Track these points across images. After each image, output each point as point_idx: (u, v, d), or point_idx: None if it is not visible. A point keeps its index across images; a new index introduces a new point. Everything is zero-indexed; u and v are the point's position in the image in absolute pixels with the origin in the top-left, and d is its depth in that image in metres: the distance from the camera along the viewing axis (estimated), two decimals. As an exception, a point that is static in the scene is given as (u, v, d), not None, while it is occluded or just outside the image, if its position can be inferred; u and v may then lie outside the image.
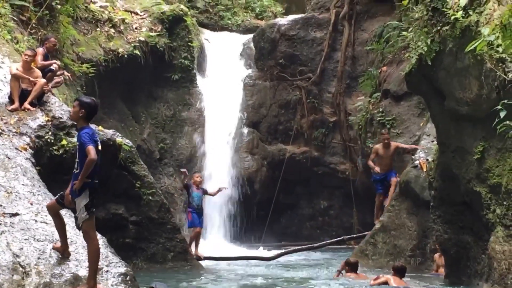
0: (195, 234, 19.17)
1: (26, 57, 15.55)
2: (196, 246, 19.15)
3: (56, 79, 17.24)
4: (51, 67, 16.89)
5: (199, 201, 19.50)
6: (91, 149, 9.27)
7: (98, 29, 23.90)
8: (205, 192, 19.95)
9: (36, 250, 9.86)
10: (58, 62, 17.84)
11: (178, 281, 15.32)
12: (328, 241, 22.40)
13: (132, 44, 24.47)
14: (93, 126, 13.67)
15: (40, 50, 16.94)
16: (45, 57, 17.04)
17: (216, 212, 25.42)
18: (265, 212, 25.26)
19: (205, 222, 24.72)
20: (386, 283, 14.41)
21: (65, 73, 17.90)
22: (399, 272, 14.37)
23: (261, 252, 22.15)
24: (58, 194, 9.78)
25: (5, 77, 15.87)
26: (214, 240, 24.34)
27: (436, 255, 16.23)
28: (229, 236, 25.28)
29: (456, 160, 13.39)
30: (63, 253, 9.95)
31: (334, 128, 26.95)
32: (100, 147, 9.65)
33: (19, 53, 17.28)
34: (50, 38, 17.83)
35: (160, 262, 17.46)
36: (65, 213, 10.17)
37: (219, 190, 20.45)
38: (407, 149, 19.97)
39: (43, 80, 15.69)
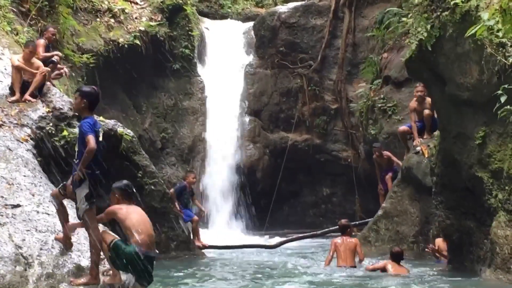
0: (194, 223, 19.18)
1: (29, 51, 15.56)
2: (197, 235, 19.16)
3: (57, 72, 17.24)
4: (53, 59, 16.91)
5: (188, 200, 19.59)
6: (90, 138, 9.24)
7: (98, 19, 23.85)
8: (192, 193, 20.01)
9: (38, 241, 9.88)
10: (60, 54, 17.84)
11: (181, 270, 15.35)
12: (331, 228, 22.39)
13: (133, 34, 24.42)
14: (95, 116, 13.78)
15: (41, 41, 16.96)
16: (46, 48, 17.06)
17: (219, 201, 25.44)
18: (267, 200, 25.26)
19: (208, 211, 24.89)
20: (384, 268, 14.46)
21: (65, 68, 17.85)
22: (397, 257, 14.42)
23: (265, 240, 22.16)
24: (61, 184, 9.77)
25: (5, 69, 15.89)
26: (217, 229, 24.37)
27: (438, 240, 16.22)
28: (232, 225, 25.29)
29: (458, 146, 13.38)
30: (65, 243, 9.95)
31: (336, 115, 26.93)
32: (101, 137, 9.64)
33: (19, 44, 17.29)
34: (48, 28, 17.84)
35: (163, 252, 17.42)
36: (67, 204, 10.17)
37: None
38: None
39: (45, 69, 15.70)
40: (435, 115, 17.64)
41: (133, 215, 9.72)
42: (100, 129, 9.66)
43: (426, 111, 18.29)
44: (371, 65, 24.07)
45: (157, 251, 10.19)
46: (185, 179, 20.04)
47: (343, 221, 16.34)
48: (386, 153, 20.89)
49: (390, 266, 14.33)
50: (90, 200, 9.42)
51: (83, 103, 9.62)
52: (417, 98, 18.71)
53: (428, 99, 18.11)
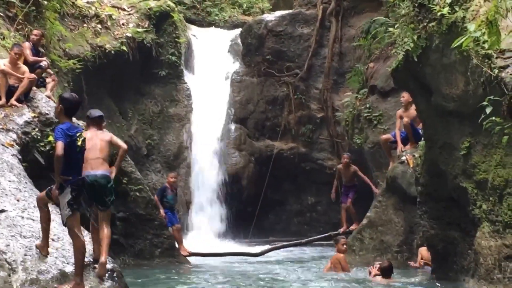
0: (176, 231, 19.17)
1: (14, 54, 15.53)
2: (180, 242, 19.14)
3: (51, 82, 17.19)
4: (41, 64, 16.89)
5: (173, 201, 19.61)
6: (58, 145, 9.30)
7: (85, 25, 23.81)
8: (177, 194, 20.02)
9: (22, 247, 9.83)
10: (48, 60, 17.82)
11: (165, 278, 15.33)
12: (316, 237, 22.44)
13: (119, 40, 24.40)
14: (81, 122, 13.76)
15: (27, 44, 16.94)
16: (32, 51, 17.02)
17: (204, 208, 25.42)
18: (253, 208, 25.27)
19: (193, 218, 24.86)
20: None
21: (53, 76, 17.81)
22: (387, 272, 14.44)
23: (249, 248, 22.15)
24: (48, 187, 9.74)
25: (-9, 73, 15.81)
26: (202, 236, 24.34)
27: (422, 249, 16.28)
28: (216, 232, 25.27)
29: (443, 156, 13.43)
30: (42, 249, 9.87)
31: (322, 124, 26.99)
32: (80, 142, 9.63)
33: (5, 49, 17.23)
34: (33, 31, 17.83)
35: (148, 258, 17.46)
36: (52, 210, 10.15)
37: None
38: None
39: (32, 75, 15.68)
40: (417, 125, 17.79)
41: (88, 143, 10.36)
42: (78, 134, 9.64)
43: (405, 119, 18.42)
44: (357, 75, 24.13)
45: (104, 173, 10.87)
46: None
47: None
48: (354, 167, 21.14)
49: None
50: (72, 206, 9.42)
51: (59, 108, 9.68)
52: (403, 105, 18.85)
53: (412, 110, 18.22)
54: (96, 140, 11.06)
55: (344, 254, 16.21)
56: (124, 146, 11.96)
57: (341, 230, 21.06)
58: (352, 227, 20.39)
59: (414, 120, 18.15)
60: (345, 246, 16.37)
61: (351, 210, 21.00)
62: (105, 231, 10.75)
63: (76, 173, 9.59)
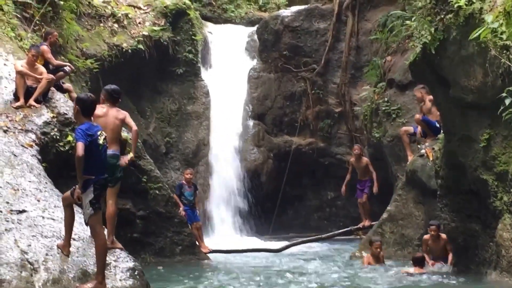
0: (196, 229, 19.19)
1: (32, 55, 15.62)
2: (201, 240, 19.17)
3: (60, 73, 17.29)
4: (65, 68, 17.04)
5: (192, 197, 19.57)
6: (79, 145, 9.36)
7: (102, 24, 23.85)
8: (196, 188, 19.99)
9: (44, 247, 9.89)
10: (72, 67, 17.93)
11: (186, 276, 15.36)
12: (336, 232, 22.42)
13: (136, 39, 24.41)
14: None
15: (46, 48, 16.99)
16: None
17: (224, 205, 25.44)
18: (272, 204, 25.27)
19: (213, 215, 24.89)
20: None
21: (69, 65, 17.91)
22: (419, 263, 14.80)
23: (269, 244, 22.16)
24: (73, 187, 9.78)
25: (9, 75, 15.92)
26: (222, 233, 24.37)
27: (426, 237, 16.15)
28: (236, 229, 25.28)
29: (462, 148, 13.37)
30: (63, 249, 9.93)
31: (340, 118, 26.92)
32: (102, 140, 9.68)
33: (23, 50, 17.32)
34: (52, 32, 17.92)
35: (168, 256, 17.50)
36: (76, 210, 10.19)
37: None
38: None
39: (51, 76, 15.76)
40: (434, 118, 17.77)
41: (100, 119, 10.76)
42: (99, 132, 9.70)
43: (416, 116, 18.46)
44: (375, 68, 24.03)
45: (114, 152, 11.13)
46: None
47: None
48: (366, 159, 21.19)
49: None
50: (94, 205, 9.47)
51: (76, 110, 9.75)
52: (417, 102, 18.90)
53: (427, 103, 18.23)
54: (110, 118, 11.26)
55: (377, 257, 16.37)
56: (135, 127, 11.90)
57: (361, 225, 21.10)
58: (364, 224, 20.52)
59: (428, 113, 18.15)
60: (379, 250, 16.43)
61: (366, 206, 20.99)
62: (111, 209, 10.85)
63: (99, 172, 9.62)
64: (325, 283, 13.97)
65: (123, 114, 11.61)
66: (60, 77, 16.89)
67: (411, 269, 14.92)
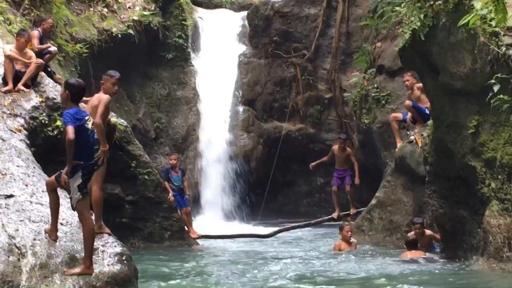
0: (185, 214, 19.15)
1: (20, 38, 15.54)
2: (190, 225, 19.15)
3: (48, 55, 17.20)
4: (50, 49, 16.94)
5: (180, 182, 19.41)
6: (68, 129, 9.26)
7: (91, 9, 23.78)
8: (184, 173, 19.89)
9: (31, 231, 9.86)
10: (55, 46, 17.82)
11: (175, 260, 15.36)
12: (325, 217, 22.44)
13: (126, 24, 24.35)
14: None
15: (35, 33, 16.92)
16: (40, 39, 17.03)
17: (213, 190, 25.47)
18: (261, 189, 25.29)
19: (202, 200, 24.90)
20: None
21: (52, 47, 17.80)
22: (413, 245, 15.00)
23: (258, 229, 22.19)
24: (58, 172, 9.75)
25: (-2, 59, 15.84)
26: (211, 219, 24.39)
27: (411, 234, 16.01)
28: (226, 214, 25.32)
29: (451, 135, 13.39)
30: (51, 234, 9.89)
31: (330, 104, 26.96)
32: (90, 125, 9.64)
33: (12, 34, 17.24)
34: (47, 19, 17.85)
35: (157, 241, 17.51)
36: (60, 194, 10.16)
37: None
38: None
39: (39, 60, 15.69)
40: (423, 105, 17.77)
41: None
42: (87, 117, 9.66)
43: (406, 102, 18.44)
44: (365, 54, 24.04)
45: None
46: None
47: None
48: (349, 149, 21.25)
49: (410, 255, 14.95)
50: (82, 190, 9.45)
51: (66, 95, 9.67)
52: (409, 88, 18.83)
53: (416, 91, 18.24)
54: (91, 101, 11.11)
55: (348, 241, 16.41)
56: (97, 121, 10.71)
57: (334, 215, 21.05)
58: (351, 211, 20.62)
59: (417, 101, 18.16)
60: (350, 233, 16.49)
61: (351, 194, 20.99)
62: (96, 194, 10.74)
63: (87, 157, 9.59)
64: (309, 269, 13.96)
65: (97, 99, 11.38)
66: (48, 60, 16.79)
67: (408, 253, 14.93)
